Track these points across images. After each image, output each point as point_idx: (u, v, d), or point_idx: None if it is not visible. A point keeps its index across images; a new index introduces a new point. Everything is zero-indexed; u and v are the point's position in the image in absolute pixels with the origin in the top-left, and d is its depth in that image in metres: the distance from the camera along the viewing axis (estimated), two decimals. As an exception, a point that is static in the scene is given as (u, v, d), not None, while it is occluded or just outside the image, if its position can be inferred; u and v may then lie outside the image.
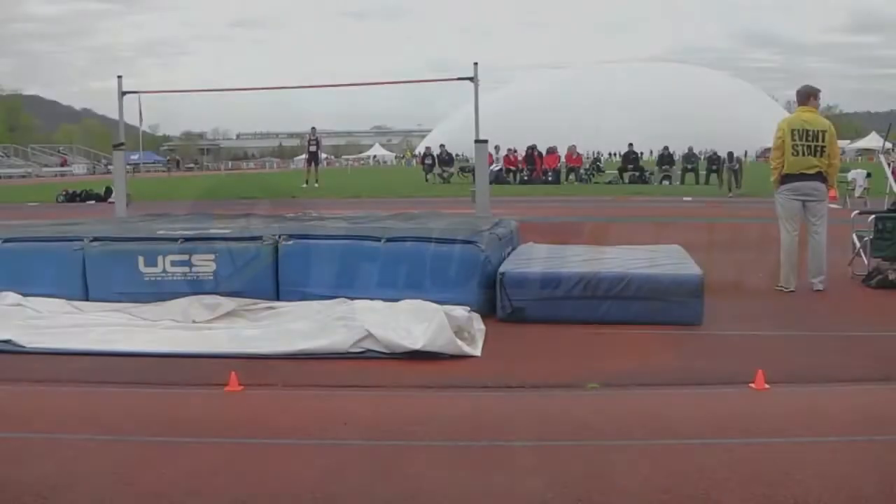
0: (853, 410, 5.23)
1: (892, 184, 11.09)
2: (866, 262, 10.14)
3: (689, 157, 39.73)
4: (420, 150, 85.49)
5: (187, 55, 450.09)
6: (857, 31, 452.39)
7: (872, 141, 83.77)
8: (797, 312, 8.37)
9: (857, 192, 22.45)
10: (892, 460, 4.34)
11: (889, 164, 12.20)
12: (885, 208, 10.79)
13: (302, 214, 12.36)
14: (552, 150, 40.42)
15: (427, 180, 41.22)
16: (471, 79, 12.43)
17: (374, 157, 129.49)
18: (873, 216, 10.16)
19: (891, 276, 9.50)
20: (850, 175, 23.15)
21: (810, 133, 9.35)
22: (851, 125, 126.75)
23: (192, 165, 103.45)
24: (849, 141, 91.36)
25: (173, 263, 8.54)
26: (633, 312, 7.76)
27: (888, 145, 23.42)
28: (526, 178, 37.97)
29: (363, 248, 8.45)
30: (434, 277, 8.16)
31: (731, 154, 31.24)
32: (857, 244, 10.39)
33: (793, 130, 9.36)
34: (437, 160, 42.36)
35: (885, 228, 9.89)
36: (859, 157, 73.15)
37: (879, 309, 8.54)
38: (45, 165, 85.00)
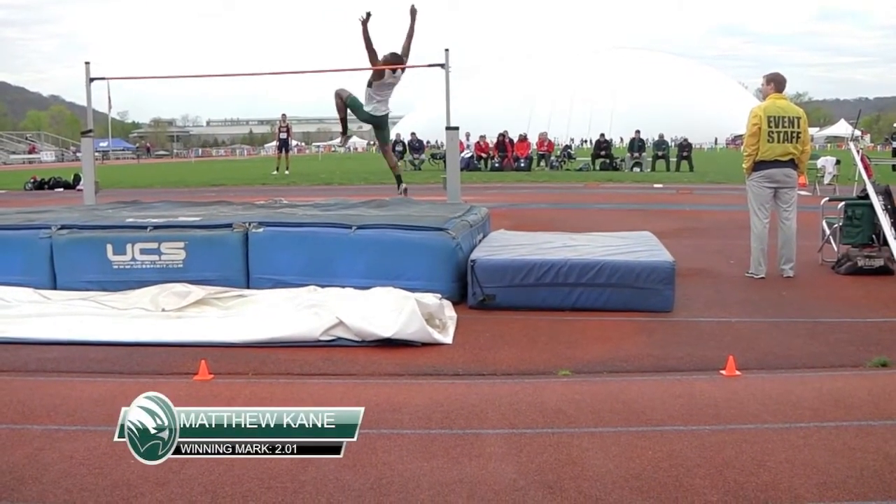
0: (823, 396, 5.26)
1: (861, 171, 11.15)
2: (836, 248, 10.23)
3: (660, 144, 39.98)
4: (391, 137, 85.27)
5: (157, 42, 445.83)
6: (823, 18, 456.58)
7: (841, 128, 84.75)
8: (767, 299, 8.41)
9: (827, 180, 22.62)
10: (862, 446, 4.36)
11: (858, 152, 12.25)
12: (855, 195, 10.87)
13: (272, 202, 12.30)
14: (523, 138, 40.49)
15: (398, 167, 41.12)
16: (442, 65, 12.35)
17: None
18: (843, 203, 10.25)
19: (860, 263, 9.58)
20: (820, 162, 23.31)
21: (786, 120, 9.39)
22: (820, 112, 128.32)
23: (163, 152, 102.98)
24: (818, 128, 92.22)
25: (143, 251, 8.48)
26: (605, 299, 7.78)
27: (857, 132, 23.54)
28: (497, 165, 38.06)
29: (334, 235, 8.41)
30: (405, 265, 8.14)
31: None
32: (827, 231, 10.49)
33: (769, 117, 9.38)
34: (407, 147, 42.32)
35: (854, 215, 9.99)
36: (828, 145, 73.82)
37: (849, 295, 8.60)
38: (13, 153, 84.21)
